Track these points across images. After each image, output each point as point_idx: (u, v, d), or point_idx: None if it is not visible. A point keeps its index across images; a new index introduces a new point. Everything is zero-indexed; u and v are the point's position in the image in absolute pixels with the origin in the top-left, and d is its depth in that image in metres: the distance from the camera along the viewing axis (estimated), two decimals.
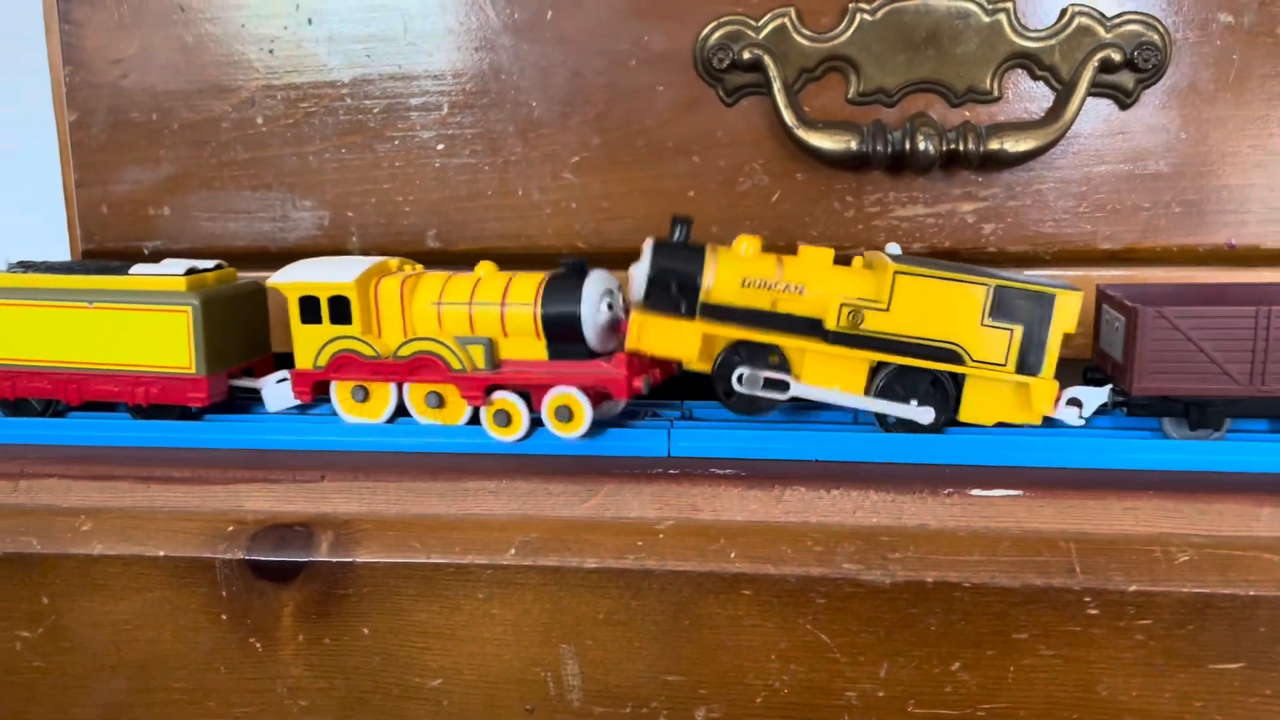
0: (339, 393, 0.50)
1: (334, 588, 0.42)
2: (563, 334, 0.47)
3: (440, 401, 0.49)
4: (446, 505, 0.44)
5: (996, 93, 0.54)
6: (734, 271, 0.46)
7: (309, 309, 0.50)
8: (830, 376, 0.46)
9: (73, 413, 0.54)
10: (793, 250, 0.48)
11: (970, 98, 0.54)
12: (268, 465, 0.46)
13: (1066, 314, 0.45)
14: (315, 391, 0.50)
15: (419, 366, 0.49)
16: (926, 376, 0.46)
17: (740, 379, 0.46)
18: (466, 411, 0.49)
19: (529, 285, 0.48)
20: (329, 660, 0.43)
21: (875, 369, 0.46)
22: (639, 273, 0.46)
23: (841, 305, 0.45)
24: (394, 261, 0.52)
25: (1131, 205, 0.55)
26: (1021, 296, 0.45)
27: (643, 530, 0.42)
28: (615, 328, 0.48)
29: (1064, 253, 0.55)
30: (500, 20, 0.57)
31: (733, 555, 0.41)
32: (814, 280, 0.46)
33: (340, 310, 0.49)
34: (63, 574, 0.44)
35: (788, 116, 0.54)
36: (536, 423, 0.48)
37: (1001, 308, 0.45)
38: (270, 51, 0.59)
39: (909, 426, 0.46)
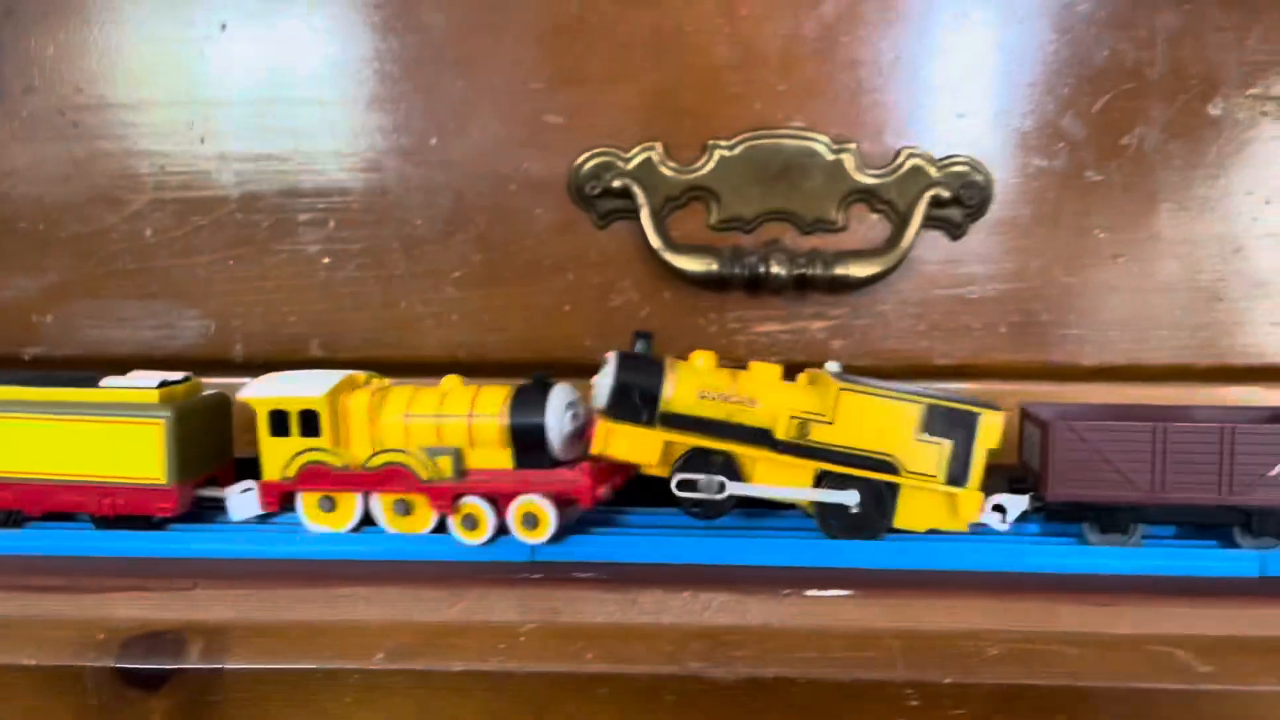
0: (305, 502, 0.52)
1: (203, 694, 0.44)
2: (529, 444, 0.49)
3: (408, 509, 0.51)
4: (319, 611, 0.46)
5: (842, 223, 0.60)
6: (692, 384, 0.49)
7: (278, 422, 0.51)
8: (777, 483, 0.50)
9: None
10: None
11: (818, 227, 0.60)
12: (142, 573, 0.47)
13: (990, 431, 0.49)
14: (282, 502, 0.52)
15: (389, 477, 0.50)
16: (865, 486, 0.49)
17: (697, 485, 0.49)
18: (433, 519, 0.51)
19: (495, 398, 0.50)
20: None
21: (819, 478, 0.50)
22: (602, 382, 0.49)
23: (791, 418, 0.49)
24: (361, 375, 0.54)
25: (963, 325, 0.60)
26: (950, 414, 0.49)
27: (506, 633, 0.44)
28: (579, 436, 0.51)
29: (905, 367, 0.60)
30: (387, 144, 0.60)
31: (589, 656, 0.43)
32: (765, 394, 0.49)
33: (310, 424, 0.51)
34: None
35: (654, 240, 0.58)
36: (501, 528, 0.50)
37: (933, 424, 0.49)
38: (162, 168, 0.61)
39: (849, 532, 0.50)
